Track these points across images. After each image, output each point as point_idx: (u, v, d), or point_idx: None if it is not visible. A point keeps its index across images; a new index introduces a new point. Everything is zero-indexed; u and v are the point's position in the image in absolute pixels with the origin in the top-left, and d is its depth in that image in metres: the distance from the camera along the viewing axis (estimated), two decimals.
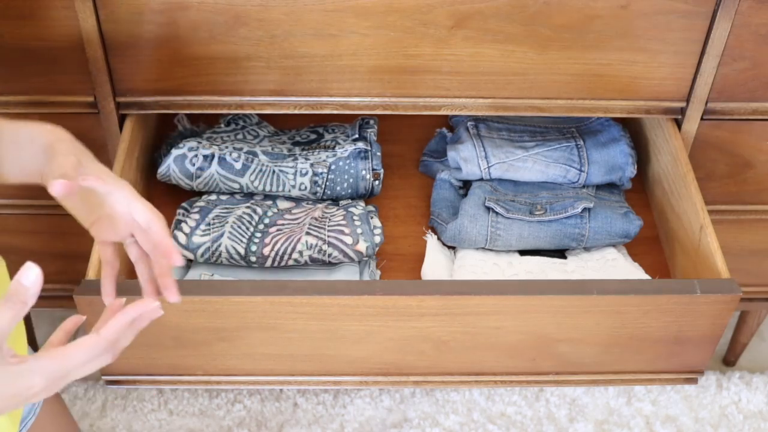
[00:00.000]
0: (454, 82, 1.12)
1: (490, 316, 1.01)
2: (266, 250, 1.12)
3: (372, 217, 1.18)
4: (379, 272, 1.16)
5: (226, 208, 1.17)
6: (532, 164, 1.22)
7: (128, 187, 0.80)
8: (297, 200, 1.22)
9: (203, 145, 1.20)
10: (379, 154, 1.23)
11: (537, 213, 1.17)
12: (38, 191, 1.27)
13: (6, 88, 1.12)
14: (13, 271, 0.94)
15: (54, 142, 0.78)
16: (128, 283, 1.00)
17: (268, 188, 1.20)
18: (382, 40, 1.08)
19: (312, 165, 1.20)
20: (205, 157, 1.19)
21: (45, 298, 1.36)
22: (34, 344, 1.59)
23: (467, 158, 1.22)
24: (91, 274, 1.00)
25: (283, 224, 1.16)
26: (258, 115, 1.31)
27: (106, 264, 0.86)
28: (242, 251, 1.12)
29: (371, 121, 1.28)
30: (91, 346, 0.68)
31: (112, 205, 0.79)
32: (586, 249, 1.19)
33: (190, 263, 1.14)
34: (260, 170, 1.19)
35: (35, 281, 0.64)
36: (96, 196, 0.80)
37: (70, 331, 0.73)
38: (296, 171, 1.20)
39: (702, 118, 1.17)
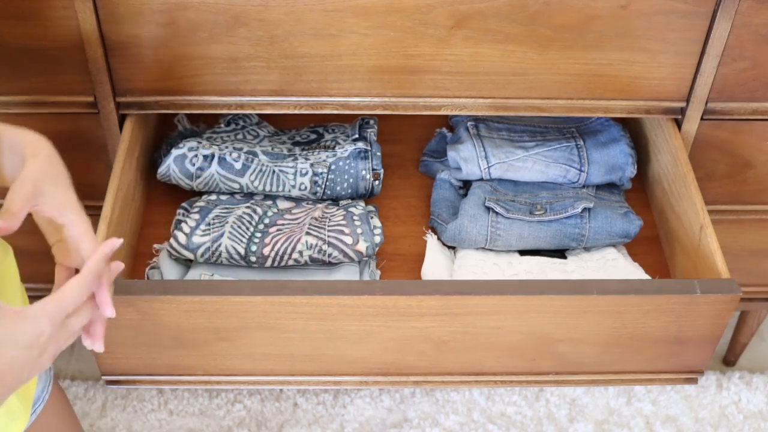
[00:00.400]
0: (454, 82, 1.12)
1: (490, 316, 1.01)
2: (266, 250, 1.12)
3: (372, 217, 1.18)
4: (379, 272, 1.16)
5: (226, 208, 1.17)
6: (532, 164, 1.22)
7: (83, 224, 0.78)
8: (297, 200, 1.22)
9: (203, 145, 1.20)
10: (379, 154, 1.23)
11: (537, 213, 1.17)
12: None
13: (6, 88, 1.12)
14: (19, 269, 0.94)
15: (27, 157, 0.77)
16: (128, 283, 1.00)
17: (268, 188, 1.20)
18: (382, 40, 1.08)
19: (312, 165, 1.20)
20: (205, 157, 1.19)
21: None
22: None
23: (467, 158, 1.22)
24: None
25: (283, 224, 1.16)
26: (258, 115, 1.31)
27: (56, 288, 0.81)
28: (242, 251, 1.12)
29: (371, 121, 1.28)
30: (80, 280, 0.73)
31: (67, 237, 0.80)
32: (586, 249, 1.19)
33: (190, 263, 1.14)
34: (260, 170, 1.19)
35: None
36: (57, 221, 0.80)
37: (71, 270, 0.78)
38: (296, 171, 1.20)
39: (702, 118, 1.17)
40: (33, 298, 1.04)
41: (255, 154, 1.21)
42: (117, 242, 0.77)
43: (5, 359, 0.66)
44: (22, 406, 0.91)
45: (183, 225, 1.14)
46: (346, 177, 1.21)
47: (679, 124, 1.19)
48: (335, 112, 1.15)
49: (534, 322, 1.03)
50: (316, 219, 1.16)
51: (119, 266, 0.80)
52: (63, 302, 0.71)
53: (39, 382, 0.98)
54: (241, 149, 1.21)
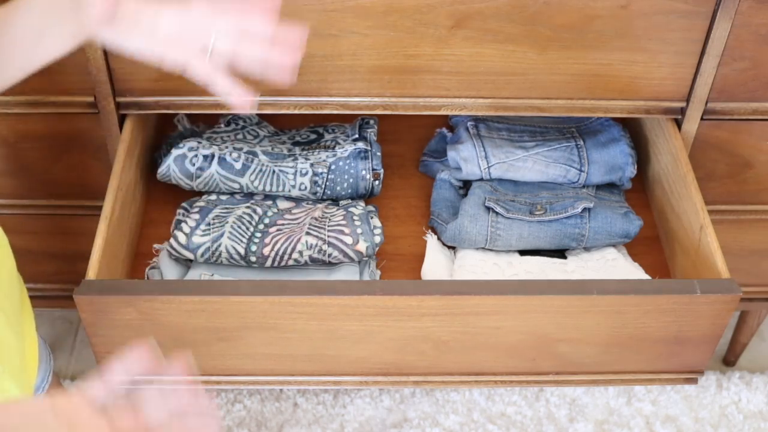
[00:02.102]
0: (454, 82, 1.12)
1: (490, 316, 1.01)
2: (266, 250, 1.12)
3: (372, 217, 1.18)
4: (379, 272, 1.16)
5: (226, 208, 1.17)
6: (532, 164, 1.22)
7: None
8: (297, 200, 1.22)
9: (203, 145, 1.20)
10: (379, 154, 1.23)
11: (537, 213, 1.17)
12: (38, 191, 1.28)
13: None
14: (17, 266, 0.94)
15: None
16: (128, 283, 1.00)
17: (268, 188, 1.20)
18: (382, 40, 1.08)
19: (312, 165, 1.20)
20: (205, 157, 1.19)
21: (45, 298, 1.37)
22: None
23: (467, 158, 1.22)
24: (91, 274, 1.00)
25: (283, 224, 1.16)
26: (258, 115, 1.31)
27: (212, 74, 0.79)
28: (242, 251, 1.12)
29: (371, 121, 1.28)
30: None
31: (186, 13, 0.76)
32: (586, 249, 1.19)
33: (190, 263, 1.14)
34: (260, 170, 1.19)
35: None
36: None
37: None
38: (296, 171, 1.20)
39: (702, 118, 1.17)
40: (33, 299, 1.05)
41: (255, 154, 1.21)
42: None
43: None
44: (23, 394, 0.91)
45: (183, 225, 1.14)
46: (346, 177, 1.21)
47: (679, 124, 1.19)
48: (335, 112, 1.15)
49: (534, 322, 1.03)
50: (316, 219, 1.16)
51: None
52: None
53: (39, 371, 0.98)
54: (241, 149, 1.21)
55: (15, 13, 0.77)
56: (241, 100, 0.80)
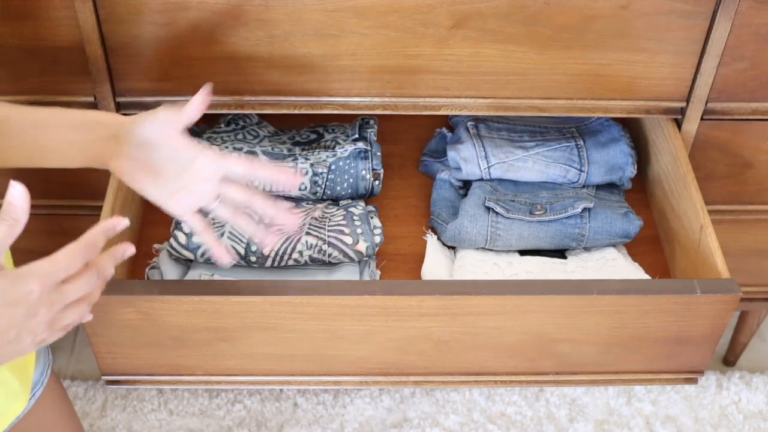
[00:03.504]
0: (454, 82, 1.12)
1: (490, 316, 1.01)
2: (266, 250, 1.12)
3: (372, 217, 1.18)
4: (379, 272, 1.16)
5: None
6: (532, 164, 1.22)
7: (209, 148, 0.88)
8: (297, 200, 1.22)
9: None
10: (379, 154, 1.23)
11: (537, 213, 1.17)
12: (37, 191, 1.27)
13: (6, 88, 1.12)
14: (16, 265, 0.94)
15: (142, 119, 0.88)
16: (128, 283, 1.00)
17: (268, 188, 1.20)
18: (382, 40, 1.08)
19: (312, 165, 1.20)
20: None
21: None
22: None
23: (467, 158, 1.22)
24: None
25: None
26: (258, 115, 1.31)
27: (206, 230, 0.92)
28: (242, 251, 1.12)
29: (371, 121, 1.28)
30: (73, 246, 0.71)
31: (197, 172, 0.86)
32: (586, 249, 1.19)
33: (190, 263, 1.14)
34: None
35: (21, 197, 0.68)
36: (171, 168, 0.86)
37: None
38: (296, 171, 1.20)
39: (702, 118, 1.17)
40: None
41: (255, 154, 1.21)
42: (121, 222, 0.77)
43: None
44: (21, 387, 0.91)
45: (183, 225, 1.14)
46: (346, 177, 1.21)
47: (679, 124, 1.19)
48: (335, 112, 1.15)
49: (534, 322, 1.03)
50: (316, 219, 1.16)
51: (128, 248, 0.78)
52: (54, 264, 0.69)
53: (37, 366, 0.98)
54: (241, 149, 1.21)
55: (52, 115, 0.85)
56: (223, 258, 0.95)
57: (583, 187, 1.23)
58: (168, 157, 0.87)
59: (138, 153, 0.87)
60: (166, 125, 0.87)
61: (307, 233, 1.13)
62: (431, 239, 1.20)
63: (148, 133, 0.87)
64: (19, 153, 0.85)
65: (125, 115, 1.16)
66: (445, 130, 1.33)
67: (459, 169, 1.23)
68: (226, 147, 1.21)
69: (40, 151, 0.85)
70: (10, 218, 0.68)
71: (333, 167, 1.21)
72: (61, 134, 0.85)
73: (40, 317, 0.69)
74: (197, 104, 0.88)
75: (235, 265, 1.14)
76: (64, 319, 0.73)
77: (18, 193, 0.68)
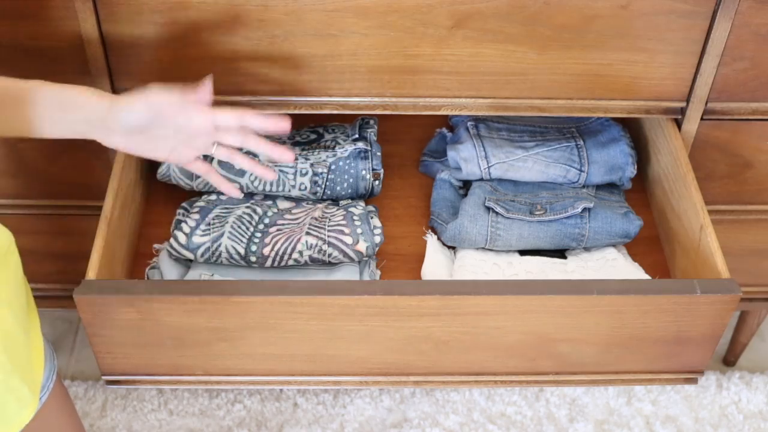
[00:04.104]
0: (454, 82, 1.12)
1: (490, 316, 1.01)
2: (266, 250, 1.12)
3: (372, 217, 1.18)
4: (379, 272, 1.16)
5: (226, 208, 1.17)
6: (532, 164, 1.22)
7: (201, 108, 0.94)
8: (297, 200, 1.22)
9: None
10: (379, 154, 1.23)
11: (537, 213, 1.17)
12: (38, 191, 1.28)
13: None
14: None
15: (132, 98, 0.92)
16: (128, 283, 1.00)
17: (268, 188, 1.20)
18: (382, 40, 1.08)
19: (312, 165, 1.20)
20: (205, 157, 1.19)
21: (45, 298, 1.37)
22: None
23: (467, 158, 1.22)
24: (91, 274, 1.00)
25: (283, 224, 1.16)
26: None
27: (209, 172, 1.00)
28: (242, 251, 1.12)
29: (371, 121, 1.28)
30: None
31: (194, 130, 0.93)
32: (586, 249, 1.19)
33: (190, 263, 1.14)
34: None
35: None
36: (166, 134, 0.92)
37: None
38: (296, 171, 1.20)
39: (702, 118, 1.17)
40: (34, 298, 1.04)
41: (255, 154, 1.20)
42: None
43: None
44: (30, 393, 0.91)
45: (183, 225, 1.14)
46: (346, 177, 1.21)
47: (679, 124, 1.19)
48: (335, 112, 1.15)
49: (534, 322, 1.03)
50: (316, 219, 1.16)
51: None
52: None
53: (45, 370, 0.98)
54: (241, 149, 1.21)
55: (42, 90, 0.87)
56: (232, 191, 1.03)
57: (583, 187, 1.23)
58: (162, 126, 0.91)
59: (130, 132, 0.90)
60: (158, 106, 0.90)
61: (307, 233, 1.13)
62: (431, 239, 1.20)
63: (138, 117, 0.90)
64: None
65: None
66: (445, 130, 1.33)
67: (459, 169, 1.23)
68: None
69: (22, 124, 0.87)
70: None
71: (333, 167, 1.21)
72: (44, 112, 0.87)
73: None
74: (207, 89, 0.94)
75: (235, 265, 1.14)
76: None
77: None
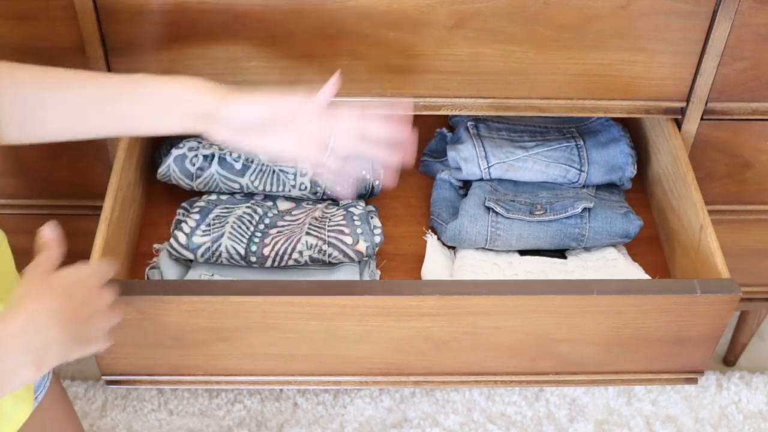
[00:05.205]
0: (454, 82, 1.13)
1: (490, 316, 1.01)
2: (266, 251, 1.12)
3: (372, 217, 1.18)
4: (379, 272, 1.16)
5: (227, 208, 1.17)
6: (532, 164, 1.22)
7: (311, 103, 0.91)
8: (297, 200, 1.22)
9: (203, 145, 1.20)
10: None
11: (537, 213, 1.17)
12: (38, 191, 1.28)
13: None
14: (17, 266, 0.94)
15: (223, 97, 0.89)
16: (128, 283, 1.00)
17: (268, 188, 1.20)
18: (382, 40, 1.08)
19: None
20: (205, 157, 1.19)
21: None
22: None
23: (467, 158, 1.22)
24: None
25: (283, 225, 1.16)
26: None
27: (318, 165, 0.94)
28: (242, 251, 1.12)
29: None
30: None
31: (305, 131, 0.90)
32: (586, 249, 1.19)
33: (190, 263, 1.14)
34: (260, 170, 1.19)
35: (51, 235, 0.82)
36: (274, 130, 0.89)
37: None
38: (296, 171, 1.20)
39: (702, 118, 1.17)
40: None
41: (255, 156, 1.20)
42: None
43: None
44: (25, 390, 0.91)
45: (183, 225, 1.14)
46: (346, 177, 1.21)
47: (679, 124, 1.19)
48: None
49: (534, 322, 1.03)
50: (316, 219, 1.16)
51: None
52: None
53: None
54: (240, 152, 1.21)
55: (143, 84, 0.87)
56: (345, 193, 1.02)
57: (583, 187, 1.23)
58: (277, 128, 0.89)
59: (237, 128, 0.88)
60: (275, 109, 0.89)
61: (307, 233, 1.13)
62: (431, 239, 1.20)
63: (254, 118, 0.88)
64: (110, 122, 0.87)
65: None
66: (445, 130, 1.33)
67: (459, 169, 1.23)
68: (225, 149, 1.21)
69: (123, 121, 0.87)
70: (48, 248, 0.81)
71: None
72: (149, 109, 0.86)
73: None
74: (330, 90, 0.90)
75: (235, 265, 1.14)
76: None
77: (49, 232, 0.82)
